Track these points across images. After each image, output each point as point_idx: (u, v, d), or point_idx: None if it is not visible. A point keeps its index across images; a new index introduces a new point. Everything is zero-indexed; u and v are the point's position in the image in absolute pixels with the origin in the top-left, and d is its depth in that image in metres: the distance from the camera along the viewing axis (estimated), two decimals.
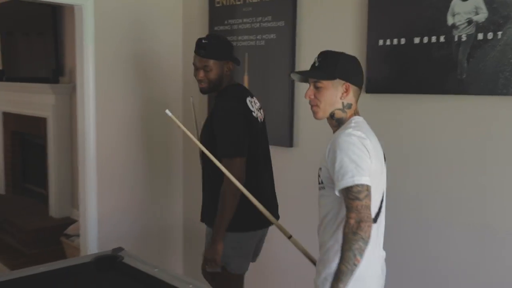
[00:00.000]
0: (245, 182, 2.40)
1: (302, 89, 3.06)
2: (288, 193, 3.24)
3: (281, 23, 3.19)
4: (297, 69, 3.11)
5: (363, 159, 1.86)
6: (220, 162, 2.34)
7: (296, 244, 2.24)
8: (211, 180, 2.62)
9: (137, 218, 3.79)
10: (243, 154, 2.48)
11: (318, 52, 2.08)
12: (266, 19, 3.28)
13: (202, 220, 2.77)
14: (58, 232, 5.07)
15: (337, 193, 1.87)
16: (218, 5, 3.58)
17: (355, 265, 1.73)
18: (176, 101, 3.90)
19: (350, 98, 2.01)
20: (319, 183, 2.03)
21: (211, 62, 2.53)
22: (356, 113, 2.05)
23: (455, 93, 2.48)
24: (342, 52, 2.07)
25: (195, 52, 2.58)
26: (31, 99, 5.73)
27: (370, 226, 1.76)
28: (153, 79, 3.81)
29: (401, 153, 2.72)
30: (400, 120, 2.75)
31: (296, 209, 3.18)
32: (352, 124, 1.98)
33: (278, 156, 3.31)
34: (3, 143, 6.43)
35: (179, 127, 2.29)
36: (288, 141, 3.24)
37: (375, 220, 1.93)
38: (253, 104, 2.65)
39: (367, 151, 1.89)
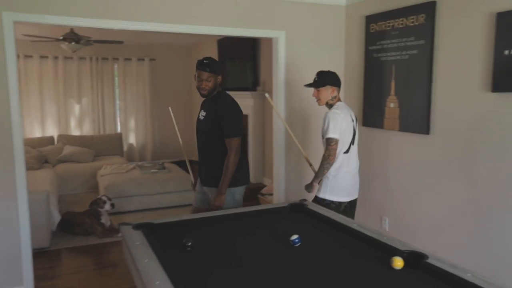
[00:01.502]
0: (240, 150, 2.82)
1: (439, 87, 3.05)
2: (425, 174, 3.23)
3: (421, 42, 3.15)
4: (434, 75, 3.11)
5: (337, 124, 2.74)
6: (228, 140, 2.75)
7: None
8: (217, 155, 2.83)
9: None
10: (242, 134, 2.85)
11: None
12: (410, 39, 3.25)
13: (205, 184, 2.94)
14: (255, 192, 5.53)
15: (325, 140, 2.79)
16: (372, 30, 3.61)
17: (324, 174, 2.78)
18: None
19: (334, 93, 2.87)
20: (322, 138, 2.85)
21: (212, 75, 2.75)
22: (338, 99, 2.89)
23: None
24: (329, 70, 2.90)
25: (199, 69, 2.74)
26: (238, 102, 6.25)
27: (333, 158, 2.75)
28: None
29: None
30: None
31: (434, 189, 3.15)
32: (335, 106, 2.84)
33: (416, 142, 3.32)
34: None
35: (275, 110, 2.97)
36: (426, 129, 3.18)
37: (347, 151, 2.84)
38: None
39: (341, 120, 2.76)
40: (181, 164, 6.41)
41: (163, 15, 3.28)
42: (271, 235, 2.12)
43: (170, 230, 2.20)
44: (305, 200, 2.63)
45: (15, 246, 3.02)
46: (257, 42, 5.85)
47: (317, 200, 2.84)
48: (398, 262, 1.68)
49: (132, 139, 8.13)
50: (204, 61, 2.76)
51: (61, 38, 5.11)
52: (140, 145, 8.16)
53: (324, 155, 2.77)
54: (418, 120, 3.24)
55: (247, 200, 5.35)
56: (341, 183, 2.83)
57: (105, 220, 4.36)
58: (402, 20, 3.32)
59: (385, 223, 3.67)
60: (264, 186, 5.70)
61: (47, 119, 7.38)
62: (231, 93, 6.32)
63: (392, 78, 3.45)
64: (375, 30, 3.60)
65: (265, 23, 3.63)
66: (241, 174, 2.89)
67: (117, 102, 7.94)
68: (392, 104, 3.48)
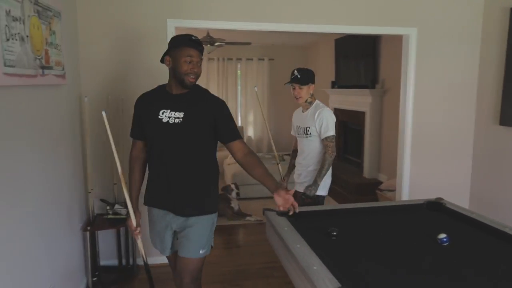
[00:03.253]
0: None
1: None
2: None
3: None
4: None
5: (333, 121, 2.70)
6: (233, 144, 1.96)
7: None
8: (201, 171, 1.99)
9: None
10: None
11: None
12: None
13: (184, 213, 1.98)
14: (369, 187, 5.37)
15: (320, 139, 2.71)
16: None
17: (327, 171, 2.70)
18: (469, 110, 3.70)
19: (312, 91, 2.78)
20: (305, 135, 2.77)
21: (200, 60, 1.94)
22: (315, 97, 2.81)
23: None
24: (308, 68, 2.78)
25: (193, 47, 1.90)
26: (354, 99, 6.09)
27: (335, 154, 2.69)
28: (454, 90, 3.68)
29: None
30: None
31: None
32: (321, 104, 2.78)
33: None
34: None
35: None
36: None
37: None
38: None
39: (332, 117, 2.70)
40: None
41: (293, 15, 3.29)
42: (414, 232, 2.00)
43: (311, 218, 2.19)
44: (442, 198, 2.44)
45: None
46: (378, 39, 5.60)
47: (310, 197, 2.70)
48: None
49: (250, 132, 8.43)
50: (194, 38, 1.91)
51: None
52: (257, 137, 8.43)
53: (327, 152, 2.67)
54: None
55: (364, 195, 5.38)
56: (327, 177, 2.79)
57: (234, 204, 4.59)
58: None
59: None
60: (379, 182, 5.49)
61: None
62: (347, 90, 6.41)
63: None
64: None
65: (395, 20, 3.44)
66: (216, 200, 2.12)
67: (239, 98, 8.30)
68: None
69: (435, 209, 2.34)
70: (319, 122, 2.69)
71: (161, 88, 2.04)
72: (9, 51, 1.70)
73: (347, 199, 5.27)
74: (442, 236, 1.81)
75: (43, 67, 2.12)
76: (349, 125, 6.65)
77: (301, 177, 2.85)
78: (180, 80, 1.91)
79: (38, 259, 2.08)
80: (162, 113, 1.94)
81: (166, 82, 2.04)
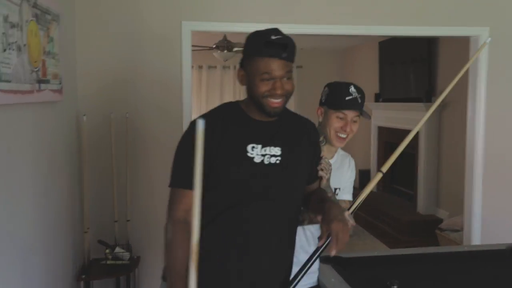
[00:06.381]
0: None
1: None
2: None
3: None
4: None
5: None
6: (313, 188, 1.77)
7: None
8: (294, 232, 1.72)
9: None
10: None
11: None
12: None
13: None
14: (426, 226, 5.31)
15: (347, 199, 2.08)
16: None
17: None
18: None
19: None
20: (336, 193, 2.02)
21: (288, 72, 1.56)
22: None
23: None
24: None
25: (273, 56, 1.50)
26: (404, 116, 6.05)
27: None
28: None
29: None
30: None
31: None
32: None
33: None
34: (377, 151, 7.07)
35: None
36: None
37: None
38: None
39: None
40: None
41: (329, 15, 3.35)
42: (495, 287, 1.97)
43: (362, 266, 2.18)
44: None
45: None
46: (433, 41, 5.64)
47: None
48: None
49: None
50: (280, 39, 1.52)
51: (214, 46, 5.61)
52: None
53: None
54: None
55: (419, 236, 5.29)
56: None
57: None
58: None
59: None
60: (438, 219, 5.45)
61: None
62: (395, 104, 6.39)
63: None
64: None
65: (460, 18, 3.46)
66: None
67: None
68: None
69: None
70: (351, 176, 2.16)
71: (234, 108, 1.64)
72: (5, 63, 1.78)
73: (398, 241, 5.23)
74: None
75: (39, 81, 2.20)
76: (395, 147, 6.51)
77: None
78: (258, 104, 1.54)
79: None
80: (252, 150, 1.56)
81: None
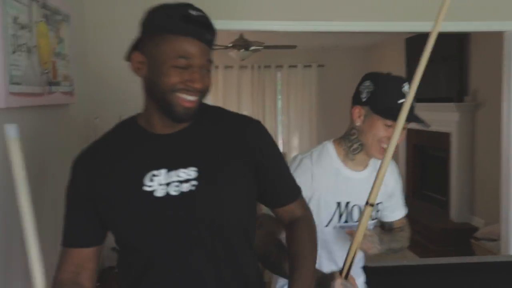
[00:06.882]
0: None
1: None
2: None
3: None
4: None
5: None
6: (297, 203, 1.42)
7: None
8: (251, 260, 1.35)
9: None
10: None
11: None
12: None
13: None
14: (459, 234, 5.24)
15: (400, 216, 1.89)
16: None
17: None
18: None
19: None
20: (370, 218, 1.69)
21: (208, 61, 1.27)
22: None
23: None
24: None
25: (191, 35, 1.24)
26: (434, 117, 5.96)
27: None
28: None
29: None
30: None
31: None
32: None
33: None
34: (405, 155, 6.97)
35: None
36: None
37: None
38: None
39: None
40: None
41: (352, 11, 3.33)
42: None
43: (389, 277, 2.16)
44: None
45: None
46: (465, 37, 5.56)
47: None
48: None
49: None
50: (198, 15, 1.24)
51: (230, 45, 5.62)
52: None
53: (406, 231, 1.91)
54: None
55: (453, 245, 5.20)
56: None
57: None
58: None
59: None
60: (473, 228, 5.36)
61: None
62: (424, 105, 6.32)
63: None
64: None
65: (492, 11, 3.39)
66: None
67: (279, 116, 8.37)
68: None
69: None
70: (397, 183, 1.88)
71: (129, 127, 1.34)
72: (15, 65, 1.81)
73: (429, 251, 5.15)
74: None
75: (50, 83, 2.22)
76: (428, 151, 6.57)
77: None
78: (164, 103, 1.20)
79: None
80: (151, 180, 1.21)
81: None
